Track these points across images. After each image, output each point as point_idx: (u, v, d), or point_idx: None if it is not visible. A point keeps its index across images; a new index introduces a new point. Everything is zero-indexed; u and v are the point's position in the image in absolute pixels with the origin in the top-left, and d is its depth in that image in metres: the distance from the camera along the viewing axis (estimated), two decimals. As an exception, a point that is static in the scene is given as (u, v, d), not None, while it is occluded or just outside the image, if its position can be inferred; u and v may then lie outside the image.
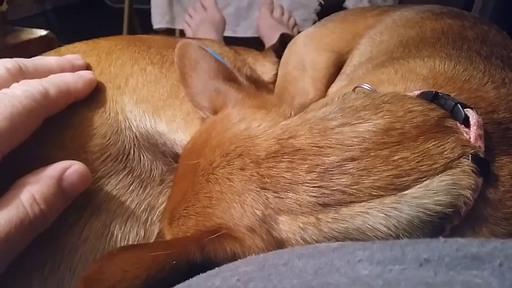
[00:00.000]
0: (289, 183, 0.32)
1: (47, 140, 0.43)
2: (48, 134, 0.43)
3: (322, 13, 1.41)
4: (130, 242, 0.45)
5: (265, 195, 0.33)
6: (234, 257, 0.32)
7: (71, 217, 0.42)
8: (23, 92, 0.38)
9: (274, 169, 0.33)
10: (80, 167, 0.38)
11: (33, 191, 0.35)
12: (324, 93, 0.71)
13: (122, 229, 0.45)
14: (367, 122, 0.33)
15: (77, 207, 0.42)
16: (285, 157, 0.33)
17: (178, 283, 0.29)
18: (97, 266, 0.30)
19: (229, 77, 0.46)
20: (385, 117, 0.33)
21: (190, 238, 0.33)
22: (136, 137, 0.49)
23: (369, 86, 0.41)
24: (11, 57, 0.44)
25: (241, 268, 0.28)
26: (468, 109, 0.34)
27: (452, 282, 0.22)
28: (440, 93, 0.36)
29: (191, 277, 0.29)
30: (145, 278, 0.29)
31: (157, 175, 0.49)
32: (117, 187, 0.46)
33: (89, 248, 0.42)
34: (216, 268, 0.30)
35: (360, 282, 0.23)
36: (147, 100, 0.51)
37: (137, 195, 0.47)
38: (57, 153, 0.43)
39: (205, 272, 0.29)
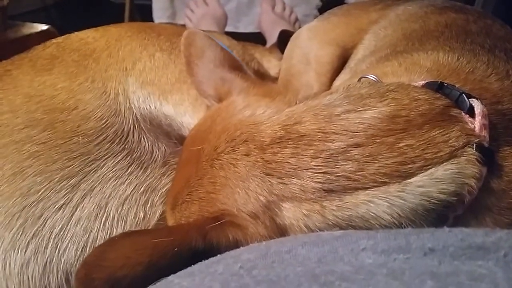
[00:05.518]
0: (293, 169, 0.32)
1: (38, 124, 0.44)
2: (40, 119, 0.44)
3: (324, 8, 1.40)
4: (128, 224, 0.45)
5: (269, 181, 0.32)
6: (236, 245, 0.32)
7: (61, 199, 0.42)
8: None
9: (279, 155, 0.33)
10: None
11: None
12: (328, 88, 0.70)
13: (118, 211, 0.44)
14: (373, 109, 0.33)
15: (68, 189, 0.42)
16: (290, 142, 0.33)
17: (180, 269, 0.29)
18: (99, 252, 0.30)
19: (235, 66, 0.46)
20: (390, 104, 0.33)
21: (193, 225, 0.33)
22: (136, 118, 0.49)
23: (374, 76, 0.41)
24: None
25: (244, 256, 0.27)
26: (473, 99, 0.34)
27: (457, 272, 0.21)
28: (445, 83, 0.36)
29: (193, 264, 0.29)
30: (146, 265, 0.29)
31: (159, 157, 0.49)
32: (114, 169, 0.45)
33: (81, 229, 0.42)
34: (219, 255, 0.29)
35: (364, 270, 0.23)
36: (154, 83, 0.52)
37: (136, 177, 0.47)
38: (46, 135, 0.43)
39: (207, 259, 0.29)
